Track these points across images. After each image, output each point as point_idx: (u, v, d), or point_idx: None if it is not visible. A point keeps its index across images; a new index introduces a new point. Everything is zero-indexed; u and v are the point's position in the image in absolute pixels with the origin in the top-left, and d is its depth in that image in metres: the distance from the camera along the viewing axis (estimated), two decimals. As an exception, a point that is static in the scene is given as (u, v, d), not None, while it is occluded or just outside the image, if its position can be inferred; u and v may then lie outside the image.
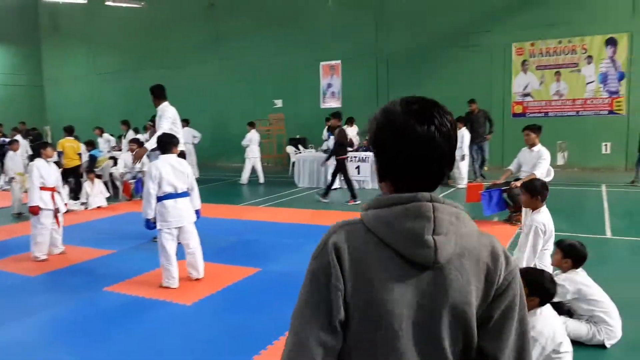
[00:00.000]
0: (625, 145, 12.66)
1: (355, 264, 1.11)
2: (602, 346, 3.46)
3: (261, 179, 12.94)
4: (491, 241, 1.16)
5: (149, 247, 6.53)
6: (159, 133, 5.95)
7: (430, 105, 1.14)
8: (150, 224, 4.99)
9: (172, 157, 5.09)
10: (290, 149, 14.85)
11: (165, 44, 19.45)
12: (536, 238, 4.12)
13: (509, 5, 13.99)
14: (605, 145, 13.21)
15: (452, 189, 10.68)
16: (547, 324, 2.97)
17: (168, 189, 4.93)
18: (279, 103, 17.41)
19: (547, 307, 3.09)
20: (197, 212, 5.28)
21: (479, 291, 1.12)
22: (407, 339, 1.10)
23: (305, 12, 16.61)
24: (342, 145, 9.68)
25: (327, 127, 11.95)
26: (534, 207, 4.32)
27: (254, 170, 12.97)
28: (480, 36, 14.36)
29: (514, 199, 7.03)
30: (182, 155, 6.66)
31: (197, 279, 5.18)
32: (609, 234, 6.75)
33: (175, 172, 5.00)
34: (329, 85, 16.77)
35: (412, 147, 1.11)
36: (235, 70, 18.20)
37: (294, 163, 12.91)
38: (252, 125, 13.09)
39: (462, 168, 10.97)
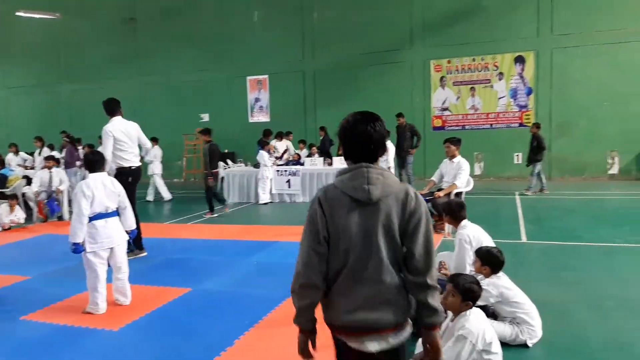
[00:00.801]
0: (534, 156, 13.60)
1: (329, 206, 1.99)
2: (524, 346, 3.67)
3: (150, 197, 12.94)
4: (406, 187, 2.02)
5: (67, 272, 6.17)
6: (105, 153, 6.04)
7: (369, 115, 2.04)
8: (79, 247, 4.62)
9: (102, 176, 4.88)
10: (219, 163, 14.59)
11: (83, 58, 18.61)
12: (461, 249, 4.35)
13: (426, 24, 14.72)
14: (517, 155, 14.14)
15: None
16: (476, 324, 3.13)
17: (99, 209, 4.69)
18: (205, 117, 17.13)
19: (476, 310, 3.25)
20: (132, 232, 5.08)
21: (398, 214, 1.97)
22: (358, 243, 1.97)
23: (231, 27, 16.54)
24: (212, 161, 10.03)
25: (257, 141, 11.90)
26: (450, 223, 4.77)
27: (158, 186, 12.97)
28: (401, 54, 14.98)
29: (437, 208, 7.33)
30: (137, 170, 6.56)
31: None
32: (524, 239, 7.21)
33: (106, 191, 4.78)
34: (257, 100, 16.74)
35: (356, 138, 2.01)
36: (159, 85, 17.72)
37: (222, 178, 12.70)
38: (155, 140, 12.84)
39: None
